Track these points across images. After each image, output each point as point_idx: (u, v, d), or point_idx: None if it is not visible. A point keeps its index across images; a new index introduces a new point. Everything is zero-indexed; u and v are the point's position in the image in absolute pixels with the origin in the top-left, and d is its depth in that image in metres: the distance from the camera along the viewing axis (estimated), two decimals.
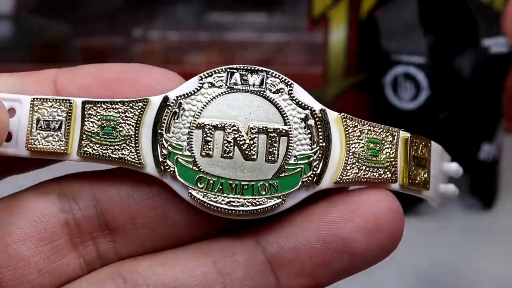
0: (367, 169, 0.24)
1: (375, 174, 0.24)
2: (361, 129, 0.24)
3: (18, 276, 0.25)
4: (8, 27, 0.70)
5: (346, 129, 0.24)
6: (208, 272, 0.25)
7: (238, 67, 0.24)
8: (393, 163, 0.24)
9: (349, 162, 0.24)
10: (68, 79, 0.25)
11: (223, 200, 0.24)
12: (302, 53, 0.73)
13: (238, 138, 0.24)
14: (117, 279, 0.25)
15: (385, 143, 0.24)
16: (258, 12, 0.75)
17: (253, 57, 0.72)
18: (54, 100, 0.24)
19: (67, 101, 0.24)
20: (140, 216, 0.25)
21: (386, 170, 0.24)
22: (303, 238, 0.24)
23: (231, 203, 0.24)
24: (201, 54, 0.71)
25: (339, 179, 0.24)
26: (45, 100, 0.24)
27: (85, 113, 0.24)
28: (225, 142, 0.24)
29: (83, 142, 0.24)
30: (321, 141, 0.24)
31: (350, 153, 0.24)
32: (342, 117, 0.24)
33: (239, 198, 0.24)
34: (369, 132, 0.24)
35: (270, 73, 0.24)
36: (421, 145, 0.25)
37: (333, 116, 0.24)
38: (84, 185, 0.26)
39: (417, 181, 0.25)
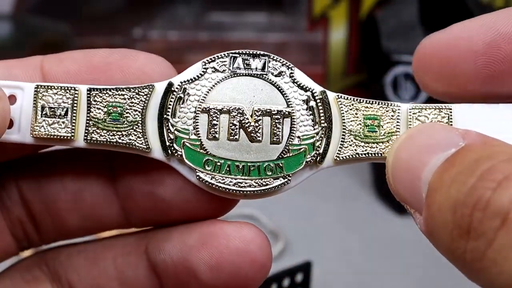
0: (366, 145, 0.25)
1: (374, 149, 0.25)
2: (357, 107, 0.25)
3: None
4: (8, 27, 0.70)
5: (341, 108, 0.25)
6: (109, 267, 0.26)
7: (241, 52, 0.25)
8: (394, 137, 0.25)
9: (346, 140, 0.25)
10: (55, 65, 0.25)
11: (230, 182, 0.24)
12: (302, 53, 0.73)
13: (243, 121, 0.24)
14: (43, 266, 0.27)
15: (385, 118, 0.25)
16: (258, 12, 0.75)
17: None
18: (59, 87, 0.24)
19: (72, 88, 0.24)
20: (52, 206, 0.26)
21: (387, 145, 0.25)
22: (170, 254, 0.25)
23: (239, 184, 0.24)
24: (201, 54, 0.71)
25: (336, 158, 0.25)
26: (49, 87, 0.24)
27: (91, 99, 0.24)
28: (230, 125, 0.24)
29: (89, 128, 0.24)
30: (322, 121, 0.25)
31: (347, 131, 0.25)
32: (337, 97, 0.25)
33: (246, 179, 0.24)
34: (366, 109, 0.25)
35: (271, 57, 0.25)
36: (432, 112, 0.25)
37: (331, 97, 0.25)
38: (8, 172, 0.26)
39: None
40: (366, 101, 0.25)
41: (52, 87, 0.24)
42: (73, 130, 0.24)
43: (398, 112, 0.25)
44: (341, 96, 0.25)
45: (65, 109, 0.24)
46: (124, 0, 0.77)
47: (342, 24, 0.69)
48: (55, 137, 0.24)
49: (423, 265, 0.54)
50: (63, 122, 0.24)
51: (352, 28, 0.69)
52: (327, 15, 0.69)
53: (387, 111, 0.25)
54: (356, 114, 0.25)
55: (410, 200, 0.22)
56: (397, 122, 0.25)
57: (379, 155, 0.25)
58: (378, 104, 0.25)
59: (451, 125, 0.24)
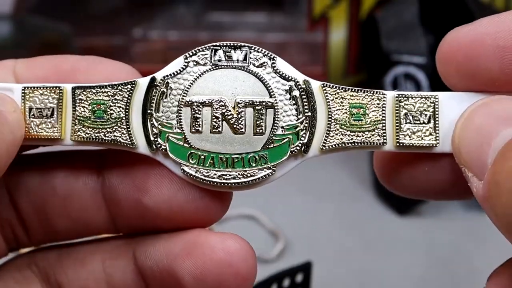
0: (352, 133, 0.24)
1: (360, 138, 0.24)
2: (342, 96, 0.25)
3: None
4: (8, 27, 0.70)
5: (327, 96, 0.24)
6: (97, 269, 0.27)
7: (221, 44, 0.25)
8: (380, 125, 0.24)
9: (332, 129, 0.24)
10: (27, 69, 0.25)
11: (215, 174, 0.24)
12: (302, 53, 0.73)
13: (225, 113, 0.24)
14: (33, 266, 0.27)
15: (371, 107, 0.25)
16: (258, 12, 0.75)
17: None
18: (44, 88, 0.25)
19: (57, 88, 0.25)
20: (42, 209, 0.26)
21: (373, 133, 0.24)
22: (156, 260, 0.25)
23: (223, 176, 0.24)
24: None
25: (322, 147, 0.24)
26: (35, 88, 0.25)
27: (76, 98, 0.25)
28: (213, 117, 0.24)
29: (75, 127, 0.25)
30: (306, 111, 0.24)
31: (333, 120, 0.24)
32: (322, 85, 0.25)
33: (230, 171, 0.24)
34: (352, 98, 0.25)
35: (252, 47, 0.25)
36: (418, 100, 0.25)
37: (316, 85, 0.25)
38: None
39: (415, 139, 0.24)
40: (352, 89, 0.25)
41: (38, 88, 0.25)
42: (59, 130, 0.24)
43: (384, 100, 0.25)
44: (326, 85, 0.25)
45: (51, 109, 0.25)
46: (124, 0, 0.77)
47: (342, 24, 0.69)
48: (43, 137, 0.24)
49: (423, 265, 0.54)
50: (50, 122, 0.24)
51: (352, 28, 0.69)
52: (327, 15, 0.69)
53: (372, 99, 0.25)
54: (341, 102, 0.24)
55: (472, 163, 0.22)
56: (383, 110, 0.25)
57: (365, 143, 0.24)
58: (364, 92, 0.25)
59: (437, 114, 0.24)
